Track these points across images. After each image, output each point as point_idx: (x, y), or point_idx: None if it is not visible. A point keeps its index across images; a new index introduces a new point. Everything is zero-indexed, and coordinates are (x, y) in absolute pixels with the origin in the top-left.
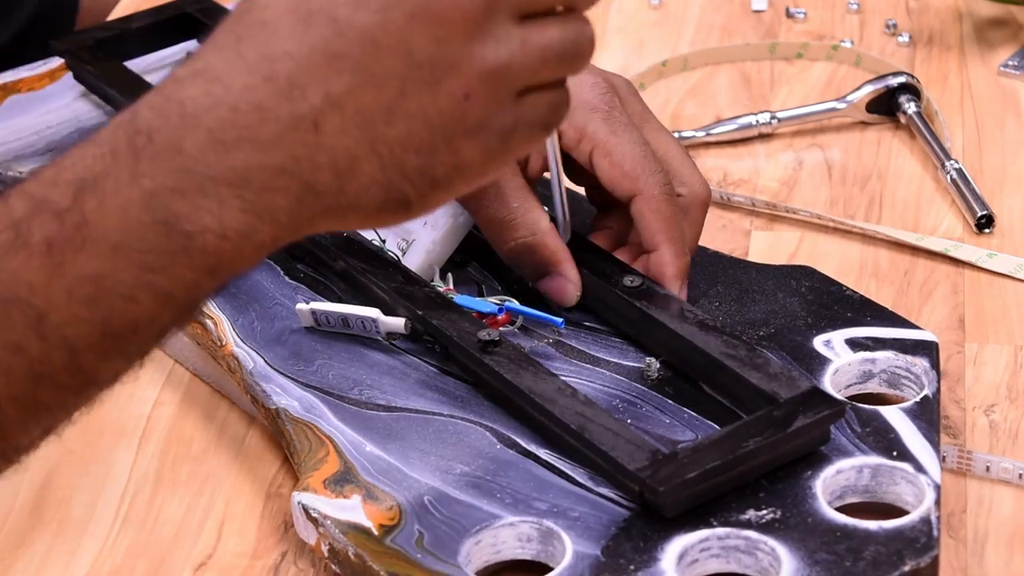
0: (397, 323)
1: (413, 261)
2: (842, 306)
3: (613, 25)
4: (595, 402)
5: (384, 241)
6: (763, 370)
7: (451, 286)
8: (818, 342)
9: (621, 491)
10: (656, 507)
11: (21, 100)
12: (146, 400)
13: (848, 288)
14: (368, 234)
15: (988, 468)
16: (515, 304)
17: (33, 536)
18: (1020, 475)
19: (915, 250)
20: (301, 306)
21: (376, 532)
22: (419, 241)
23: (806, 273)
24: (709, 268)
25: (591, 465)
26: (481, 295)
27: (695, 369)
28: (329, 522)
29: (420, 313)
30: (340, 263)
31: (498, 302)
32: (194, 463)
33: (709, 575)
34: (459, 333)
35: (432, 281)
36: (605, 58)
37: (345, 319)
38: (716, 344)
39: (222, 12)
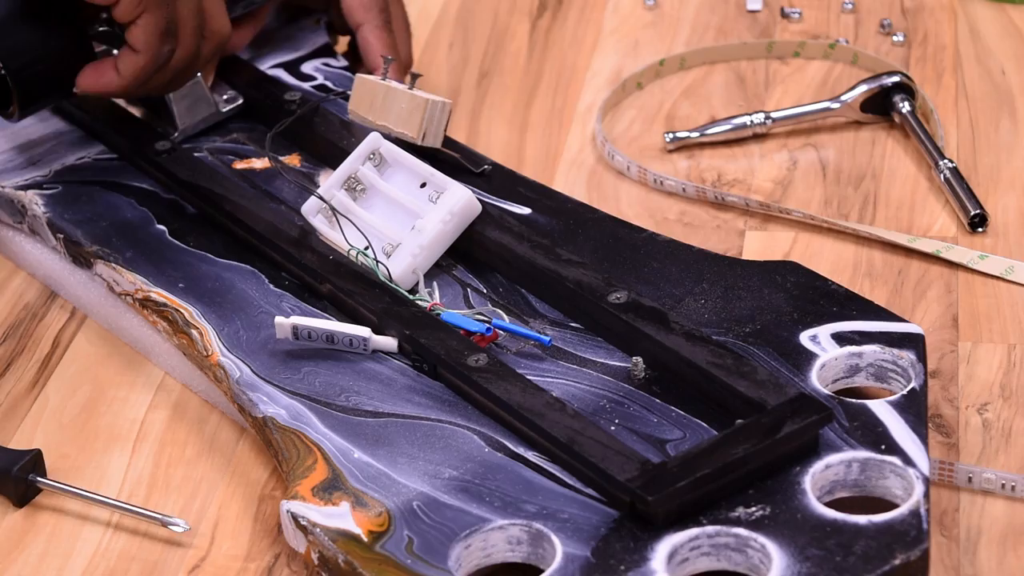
0: (390, 343)
1: (398, 265)
2: (828, 301)
3: (608, 26)
4: (583, 414)
5: (369, 246)
6: (750, 378)
7: (438, 299)
8: (804, 337)
9: (612, 503)
10: (647, 517)
11: None
12: (140, 404)
13: (833, 282)
14: (355, 239)
15: (970, 479)
16: (503, 321)
17: (28, 540)
18: (1003, 485)
19: (909, 250)
20: (280, 320)
21: (365, 539)
22: (405, 246)
23: (791, 268)
24: (694, 265)
25: (582, 477)
26: (467, 299)
27: (684, 379)
28: (318, 530)
29: (408, 333)
30: (326, 285)
31: (485, 319)
32: (187, 467)
33: (700, 573)
34: (448, 353)
35: (416, 287)
36: (600, 59)
37: (331, 336)
38: (703, 354)
39: None
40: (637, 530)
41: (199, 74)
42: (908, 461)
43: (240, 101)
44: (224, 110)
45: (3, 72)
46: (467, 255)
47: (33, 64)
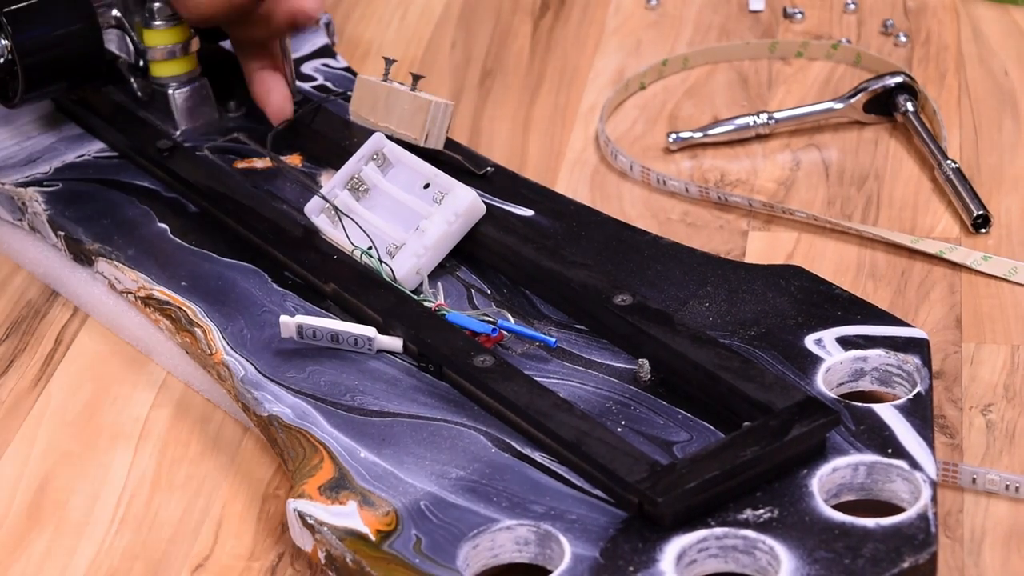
0: (395, 343)
1: (401, 266)
2: (832, 305)
3: (611, 25)
4: (591, 415)
5: (372, 246)
6: (757, 381)
7: (442, 300)
8: (809, 341)
9: (620, 504)
10: (655, 518)
11: (1, 110)
12: (143, 402)
13: (837, 287)
14: (359, 239)
15: (974, 480)
16: (508, 322)
17: (31, 538)
18: (1007, 486)
19: (912, 250)
20: (285, 319)
21: (373, 538)
22: (408, 246)
23: (795, 272)
24: (698, 269)
25: (590, 478)
26: (470, 300)
27: (690, 382)
28: (326, 529)
29: (413, 333)
30: (330, 285)
31: (491, 319)
32: (191, 465)
33: (708, 575)
34: (454, 353)
35: (420, 288)
36: (603, 59)
37: (336, 336)
38: (710, 356)
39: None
40: (645, 531)
41: (205, 79)
42: (915, 465)
43: (242, 111)
44: (226, 117)
45: (12, 56)
46: (471, 256)
47: (44, 49)
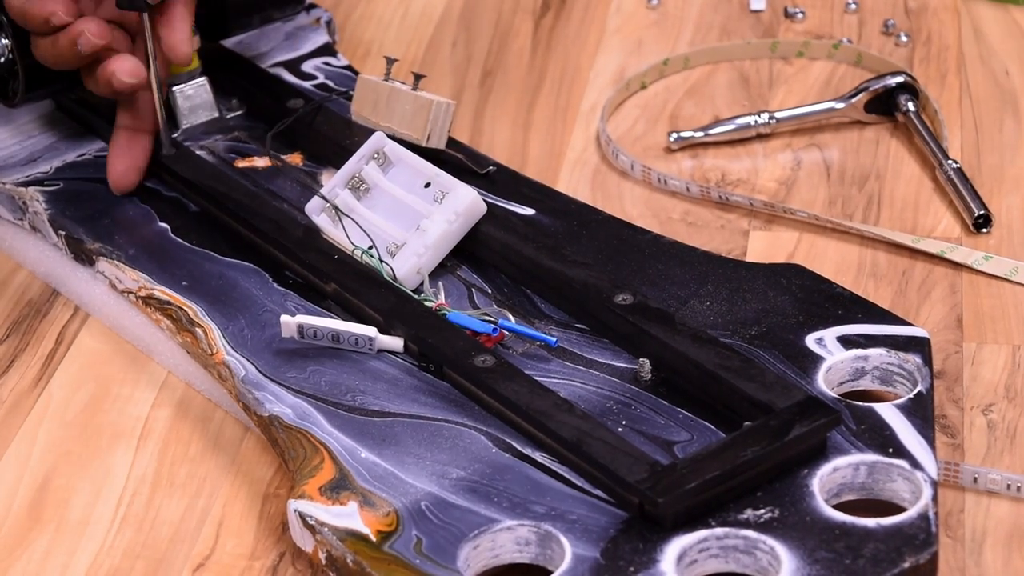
0: (396, 343)
1: (402, 265)
2: (833, 304)
3: (612, 25)
4: (592, 415)
5: (373, 245)
6: (758, 380)
7: (443, 299)
8: (810, 340)
9: (621, 504)
10: (656, 519)
11: (1, 110)
12: (144, 401)
13: (838, 285)
14: (360, 238)
15: (976, 480)
16: (509, 322)
17: (31, 537)
18: (1008, 485)
19: (913, 250)
20: (286, 318)
21: (374, 538)
22: (409, 245)
23: (796, 271)
24: (699, 268)
25: (590, 478)
26: (471, 300)
27: (691, 381)
28: (326, 529)
29: (414, 333)
30: (331, 285)
31: (492, 319)
32: (192, 464)
33: (709, 575)
34: (454, 353)
35: (420, 287)
36: (603, 58)
37: (336, 335)
38: (711, 356)
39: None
40: (646, 531)
41: (205, 78)
42: (916, 464)
43: (242, 111)
44: (227, 117)
45: (12, 55)
46: (472, 255)
47: None
